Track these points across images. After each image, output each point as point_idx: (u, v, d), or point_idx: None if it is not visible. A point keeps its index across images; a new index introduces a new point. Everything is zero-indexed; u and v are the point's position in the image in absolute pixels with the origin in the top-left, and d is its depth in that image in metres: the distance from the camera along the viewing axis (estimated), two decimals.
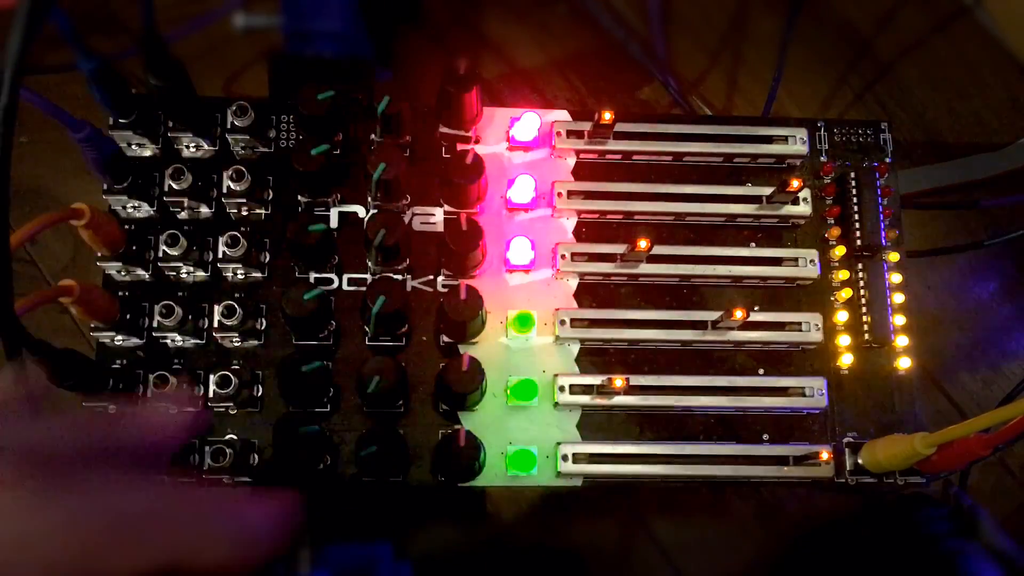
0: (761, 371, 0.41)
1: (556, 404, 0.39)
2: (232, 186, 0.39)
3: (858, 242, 0.42)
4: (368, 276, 0.40)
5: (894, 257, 0.42)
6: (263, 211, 0.40)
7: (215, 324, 0.38)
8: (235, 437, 0.38)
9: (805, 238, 0.43)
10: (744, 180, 0.43)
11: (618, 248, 0.40)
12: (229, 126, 0.39)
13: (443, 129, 0.42)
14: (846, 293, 0.42)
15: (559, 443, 0.38)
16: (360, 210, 0.41)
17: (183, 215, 0.40)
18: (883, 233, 0.42)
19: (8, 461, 0.23)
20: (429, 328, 0.40)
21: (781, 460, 0.39)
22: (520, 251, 0.40)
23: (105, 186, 0.39)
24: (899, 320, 0.42)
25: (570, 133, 0.41)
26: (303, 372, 0.36)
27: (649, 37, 0.52)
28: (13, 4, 0.21)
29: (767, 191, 0.41)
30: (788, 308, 0.41)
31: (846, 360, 0.41)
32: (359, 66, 0.42)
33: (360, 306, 0.39)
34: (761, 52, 0.52)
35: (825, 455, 0.39)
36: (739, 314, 0.38)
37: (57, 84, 0.47)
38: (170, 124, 0.40)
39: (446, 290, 0.40)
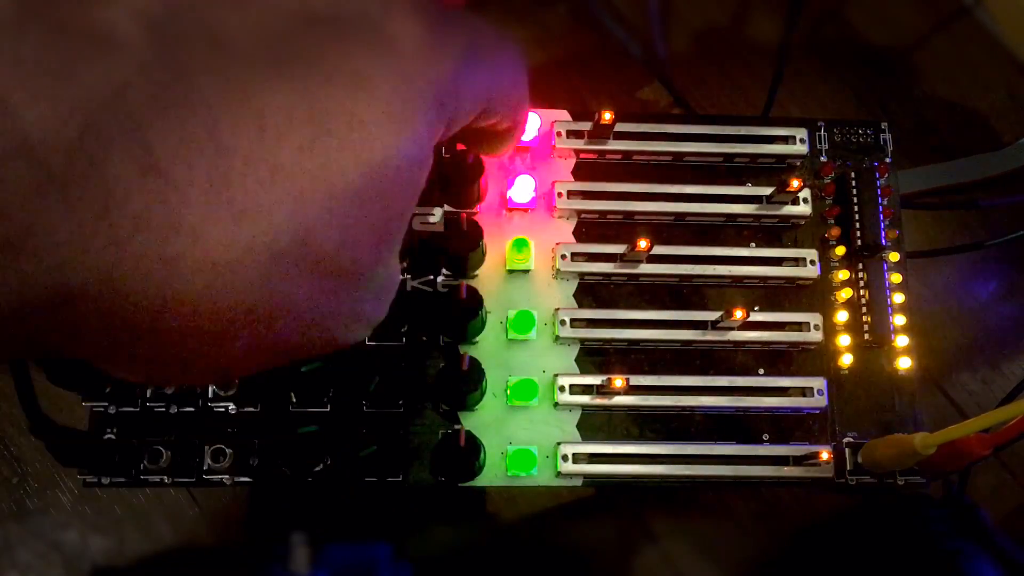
0: (761, 371, 0.41)
1: (556, 404, 0.39)
2: None
3: (858, 242, 0.42)
4: None
5: (894, 257, 0.42)
6: None
7: None
8: (234, 437, 0.38)
9: (805, 238, 0.43)
10: (744, 180, 0.43)
11: (618, 248, 0.40)
12: None
13: None
14: (846, 293, 0.42)
15: (559, 443, 0.38)
16: None
17: None
18: (883, 233, 0.42)
19: None
20: (429, 328, 0.40)
21: (781, 460, 0.39)
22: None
23: None
24: (899, 320, 0.42)
25: (570, 133, 0.41)
26: (301, 372, 0.36)
27: (649, 37, 0.52)
28: None
29: (767, 191, 0.41)
30: (788, 308, 0.41)
31: (846, 360, 0.41)
32: None
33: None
34: (761, 52, 0.52)
35: (825, 455, 0.39)
36: (739, 314, 0.38)
37: None
38: None
39: (446, 290, 0.40)
